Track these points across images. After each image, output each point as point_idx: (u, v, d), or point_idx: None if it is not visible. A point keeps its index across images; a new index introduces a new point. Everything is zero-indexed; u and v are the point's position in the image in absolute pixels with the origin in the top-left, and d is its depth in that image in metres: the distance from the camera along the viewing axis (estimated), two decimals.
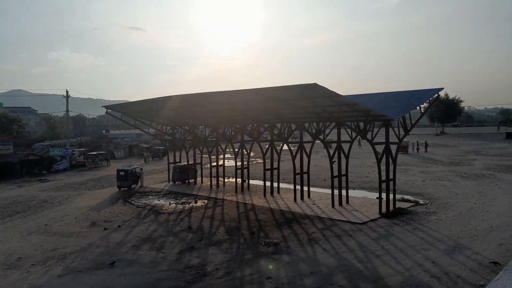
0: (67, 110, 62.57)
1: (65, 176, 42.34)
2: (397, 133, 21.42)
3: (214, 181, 31.45)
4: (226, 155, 35.02)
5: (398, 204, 21.73)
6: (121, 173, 31.70)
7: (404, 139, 22.37)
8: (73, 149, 55.65)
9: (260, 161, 43.63)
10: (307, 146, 25.81)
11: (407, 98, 21.57)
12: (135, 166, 34.92)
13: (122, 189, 31.33)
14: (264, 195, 26.45)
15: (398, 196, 22.59)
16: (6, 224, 22.17)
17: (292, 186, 25.96)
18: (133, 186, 31.85)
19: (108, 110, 34.00)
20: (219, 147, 32.51)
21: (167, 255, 16.12)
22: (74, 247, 17.49)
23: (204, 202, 26.02)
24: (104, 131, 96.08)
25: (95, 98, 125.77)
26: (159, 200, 27.33)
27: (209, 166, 33.17)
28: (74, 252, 16.80)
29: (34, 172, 44.08)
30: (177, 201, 26.82)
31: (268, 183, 27.21)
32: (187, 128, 34.85)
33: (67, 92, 59.99)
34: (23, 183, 38.53)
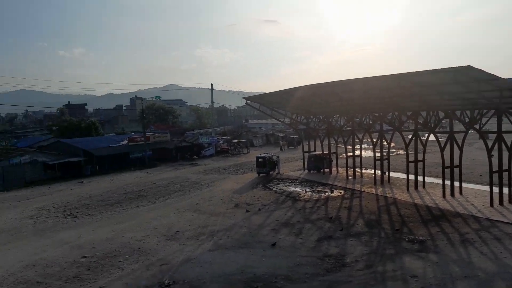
0: (212, 102, 68.68)
1: (211, 161, 46.65)
2: None
3: (350, 172, 30.67)
4: (363, 145, 33.76)
5: None
6: (260, 160, 33.40)
7: None
8: (217, 137, 60.90)
9: (402, 152, 40.91)
10: (458, 137, 23.05)
11: None
12: (272, 154, 36.37)
13: (261, 175, 33.02)
14: (407, 189, 24.63)
15: None
16: (166, 201, 25.48)
17: (439, 181, 23.63)
18: (270, 172, 33.26)
19: (248, 102, 36.16)
20: (355, 137, 31.52)
21: (305, 241, 16.37)
22: (221, 226, 19.10)
23: (340, 193, 25.61)
24: (244, 121, 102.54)
25: (235, 90, 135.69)
26: (295, 187, 27.94)
27: (344, 156, 32.47)
28: (221, 230, 18.35)
29: (186, 157, 49.72)
30: (313, 189, 26.99)
31: (411, 177, 25.25)
32: (321, 117, 34.71)
33: (211, 85, 65.86)
34: (178, 166, 43.80)
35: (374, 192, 24.82)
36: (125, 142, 48.09)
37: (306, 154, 35.08)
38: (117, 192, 29.36)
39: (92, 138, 53.15)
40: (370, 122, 30.06)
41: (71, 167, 38.84)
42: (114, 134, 71.04)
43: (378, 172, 28.05)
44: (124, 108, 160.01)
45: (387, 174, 28.05)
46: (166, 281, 12.93)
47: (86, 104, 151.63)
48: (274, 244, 15.98)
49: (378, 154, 28.55)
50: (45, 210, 24.27)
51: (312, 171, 33.58)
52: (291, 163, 40.24)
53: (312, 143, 36.05)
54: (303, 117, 36.27)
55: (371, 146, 30.28)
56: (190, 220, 20.35)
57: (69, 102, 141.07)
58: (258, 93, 37.25)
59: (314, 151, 35.59)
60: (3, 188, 33.12)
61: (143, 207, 24.26)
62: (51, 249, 16.72)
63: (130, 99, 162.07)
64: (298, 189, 27.44)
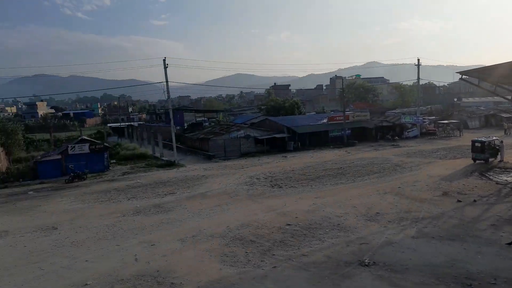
0: (418, 79, 63.10)
1: (415, 143, 43.28)
2: None
3: None
4: None
5: None
6: (477, 144, 28.91)
7: None
8: (423, 117, 55.94)
9: None
10: None
11: None
12: (494, 138, 30.91)
13: (477, 161, 28.63)
14: None
15: None
16: (365, 181, 24.98)
17: None
18: (490, 159, 28.44)
19: (464, 76, 31.38)
20: None
21: None
22: (426, 213, 17.48)
23: None
24: (455, 99, 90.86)
25: (445, 65, 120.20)
26: None
27: None
28: (427, 218, 16.78)
29: (387, 138, 47.58)
30: None
31: None
32: None
33: (418, 60, 60.33)
34: (377, 146, 42.38)
35: None
36: (325, 120, 49.37)
37: None
38: (316, 168, 30.52)
39: (294, 116, 56.66)
40: None
41: (276, 142, 42.55)
42: (314, 113, 74.10)
43: None
44: (324, 87, 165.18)
45: None
46: (366, 261, 12.67)
47: (289, 85, 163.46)
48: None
49: None
50: (256, 179, 27.31)
51: None
52: None
53: None
54: None
55: None
56: (391, 203, 19.37)
57: (275, 83, 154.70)
58: (474, 67, 31.91)
59: None
60: (225, 157, 39.04)
61: (342, 184, 24.46)
62: (261, 213, 18.70)
63: (330, 78, 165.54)
64: None
